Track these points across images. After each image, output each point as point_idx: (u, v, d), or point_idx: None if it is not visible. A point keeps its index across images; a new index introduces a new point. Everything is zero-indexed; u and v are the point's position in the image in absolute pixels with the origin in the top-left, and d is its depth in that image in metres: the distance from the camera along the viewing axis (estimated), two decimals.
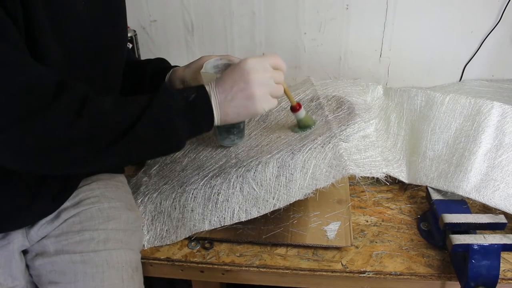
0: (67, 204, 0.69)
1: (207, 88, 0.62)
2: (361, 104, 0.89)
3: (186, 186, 0.77)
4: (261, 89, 0.62)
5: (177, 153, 0.90)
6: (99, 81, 0.67)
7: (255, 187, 0.73)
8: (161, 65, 0.84)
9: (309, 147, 0.74)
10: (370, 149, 0.78)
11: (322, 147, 0.74)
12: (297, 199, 0.72)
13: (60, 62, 0.57)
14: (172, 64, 0.87)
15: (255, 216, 0.73)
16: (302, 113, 0.80)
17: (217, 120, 0.62)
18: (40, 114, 0.49)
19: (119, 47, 0.71)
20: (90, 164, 0.56)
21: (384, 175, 0.76)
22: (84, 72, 0.63)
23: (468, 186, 0.76)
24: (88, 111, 0.52)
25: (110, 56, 0.68)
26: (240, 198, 0.73)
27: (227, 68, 0.66)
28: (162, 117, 0.56)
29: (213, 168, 0.79)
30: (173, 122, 0.57)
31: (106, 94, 0.70)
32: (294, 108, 0.79)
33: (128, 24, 1.15)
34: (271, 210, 0.72)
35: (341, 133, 0.77)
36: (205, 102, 0.61)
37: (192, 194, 0.75)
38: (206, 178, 0.76)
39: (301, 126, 0.82)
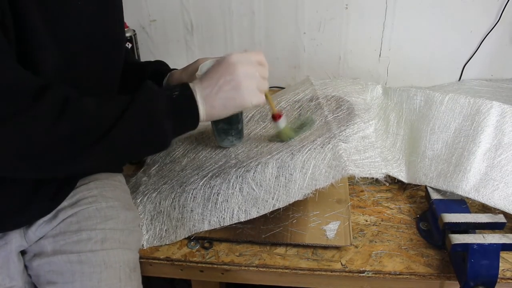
0: (64, 204, 0.69)
1: (190, 84, 0.62)
2: (360, 104, 0.89)
3: (185, 186, 0.77)
4: (248, 81, 0.62)
5: (176, 153, 0.90)
6: (98, 81, 0.67)
7: (254, 188, 0.73)
8: (160, 68, 0.84)
9: (309, 147, 0.74)
10: (369, 149, 0.78)
11: (322, 147, 0.74)
12: (297, 199, 0.71)
13: (56, 63, 0.57)
14: (171, 64, 0.87)
15: (254, 217, 0.72)
16: (282, 123, 0.77)
17: (202, 115, 0.61)
18: (20, 117, 0.49)
19: (117, 46, 0.71)
20: (73, 166, 0.56)
21: (383, 175, 0.76)
22: (82, 72, 0.62)
23: (467, 186, 0.76)
24: (69, 113, 0.52)
25: (108, 55, 0.68)
26: (239, 198, 0.73)
27: None
28: (143, 115, 0.56)
29: (212, 168, 0.79)
30: (155, 120, 0.57)
31: (104, 94, 0.70)
32: (274, 117, 0.76)
33: (128, 24, 1.16)
34: (271, 210, 0.72)
35: (340, 133, 0.77)
36: (189, 97, 0.61)
37: (192, 194, 0.75)
38: (205, 178, 0.76)
39: (279, 138, 0.80)
